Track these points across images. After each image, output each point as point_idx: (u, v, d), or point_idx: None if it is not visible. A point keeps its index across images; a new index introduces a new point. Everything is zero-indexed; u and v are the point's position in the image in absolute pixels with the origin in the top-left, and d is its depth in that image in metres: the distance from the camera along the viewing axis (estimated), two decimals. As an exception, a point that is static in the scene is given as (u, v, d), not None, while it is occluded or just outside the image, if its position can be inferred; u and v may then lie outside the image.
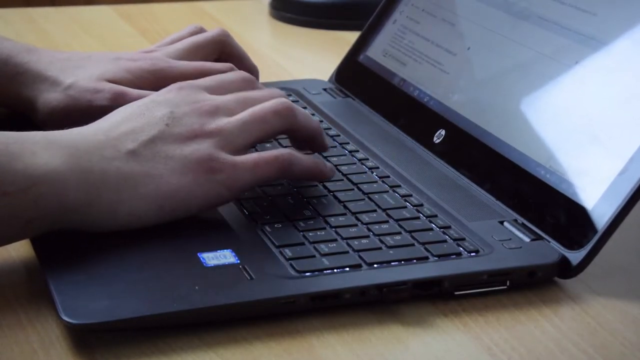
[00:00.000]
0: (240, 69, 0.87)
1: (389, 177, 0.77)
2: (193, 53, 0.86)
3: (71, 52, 0.88)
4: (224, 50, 0.88)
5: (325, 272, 0.64)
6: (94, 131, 0.68)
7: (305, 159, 0.72)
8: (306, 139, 0.75)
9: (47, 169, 0.64)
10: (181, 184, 0.67)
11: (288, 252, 0.66)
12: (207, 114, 0.70)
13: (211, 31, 0.89)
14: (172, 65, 0.84)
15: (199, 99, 0.72)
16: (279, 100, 0.73)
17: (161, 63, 0.84)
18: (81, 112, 0.80)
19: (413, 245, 0.67)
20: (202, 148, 0.68)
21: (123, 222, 0.66)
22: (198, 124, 0.70)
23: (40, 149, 0.65)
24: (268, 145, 0.81)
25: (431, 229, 0.69)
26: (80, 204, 0.65)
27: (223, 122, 0.70)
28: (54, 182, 0.64)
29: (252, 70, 0.88)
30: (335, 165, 0.78)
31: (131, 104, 0.72)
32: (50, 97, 0.81)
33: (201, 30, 0.90)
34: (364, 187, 0.75)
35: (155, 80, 0.83)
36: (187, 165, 0.68)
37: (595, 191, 0.67)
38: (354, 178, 0.76)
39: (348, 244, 0.67)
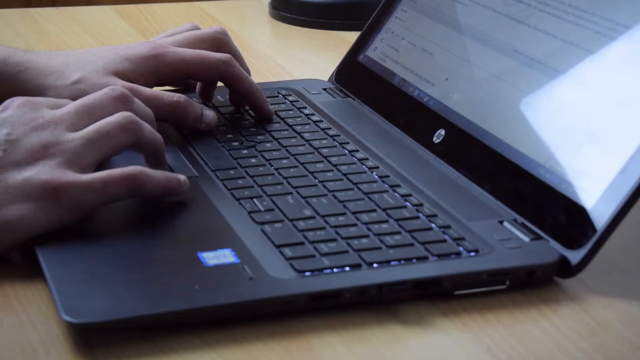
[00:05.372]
0: None
1: (388, 176, 0.77)
2: (191, 45, 0.86)
3: (65, 50, 0.88)
4: (220, 49, 0.88)
5: (325, 271, 0.64)
6: None
7: (157, 176, 0.69)
8: (150, 154, 0.73)
9: None
10: (23, 214, 0.65)
11: (288, 251, 0.66)
12: (48, 132, 0.68)
13: (210, 28, 0.89)
14: (172, 50, 0.84)
15: (34, 116, 0.68)
16: (124, 115, 0.70)
17: (160, 48, 0.84)
18: None
19: (413, 244, 0.67)
20: (44, 170, 0.66)
21: None
22: (38, 145, 0.67)
23: None
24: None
25: (431, 229, 0.69)
26: None
27: (66, 139, 0.68)
28: None
29: (246, 72, 0.88)
30: (335, 165, 0.78)
31: None
32: (60, 89, 0.80)
33: (198, 28, 0.90)
34: (364, 186, 0.75)
35: (156, 65, 0.83)
36: (28, 191, 0.65)
37: (594, 191, 0.67)
38: (353, 178, 0.76)
39: (348, 244, 0.67)
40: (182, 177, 0.72)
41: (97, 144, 0.68)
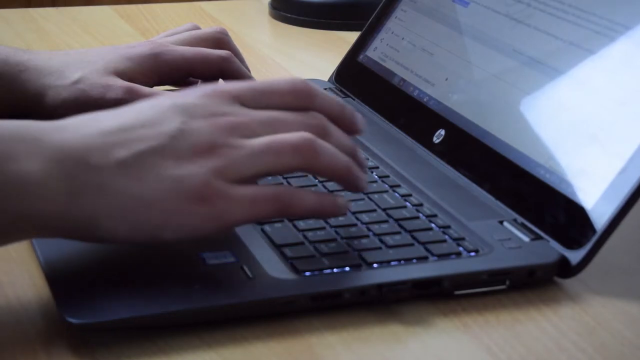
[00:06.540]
0: None
1: (388, 176, 0.77)
2: (192, 45, 0.87)
3: (65, 50, 0.88)
4: (220, 48, 0.88)
5: (325, 271, 0.64)
6: (91, 130, 0.61)
7: (308, 199, 0.64)
8: (332, 180, 0.67)
9: (23, 176, 0.58)
10: (165, 210, 0.61)
11: (288, 252, 0.66)
12: (222, 133, 0.62)
13: (210, 28, 0.89)
14: (172, 49, 0.84)
15: (220, 112, 0.63)
16: (304, 137, 0.63)
17: (161, 47, 0.84)
18: (93, 105, 0.78)
19: (413, 245, 0.67)
20: (200, 172, 0.61)
21: (100, 237, 0.61)
22: (207, 143, 0.62)
23: (23, 152, 0.59)
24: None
25: (431, 229, 0.69)
26: (57, 212, 0.59)
27: (234, 144, 0.62)
28: (30, 188, 0.58)
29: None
30: (335, 165, 0.78)
31: (148, 102, 0.64)
32: (60, 89, 0.81)
33: (198, 28, 0.91)
34: (364, 186, 0.75)
35: (156, 64, 0.83)
36: (176, 191, 0.61)
37: (594, 191, 0.67)
38: (353, 178, 0.76)
39: (348, 244, 0.67)
40: (341, 200, 0.66)
41: (263, 159, 0.62)
